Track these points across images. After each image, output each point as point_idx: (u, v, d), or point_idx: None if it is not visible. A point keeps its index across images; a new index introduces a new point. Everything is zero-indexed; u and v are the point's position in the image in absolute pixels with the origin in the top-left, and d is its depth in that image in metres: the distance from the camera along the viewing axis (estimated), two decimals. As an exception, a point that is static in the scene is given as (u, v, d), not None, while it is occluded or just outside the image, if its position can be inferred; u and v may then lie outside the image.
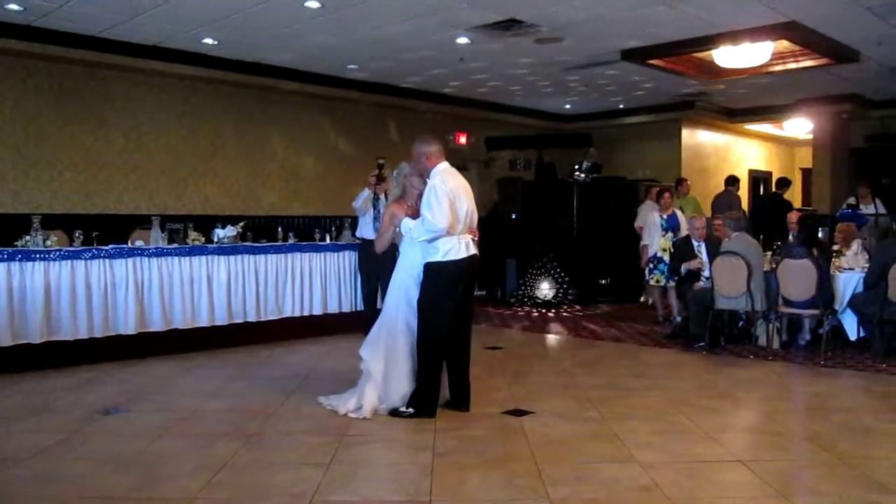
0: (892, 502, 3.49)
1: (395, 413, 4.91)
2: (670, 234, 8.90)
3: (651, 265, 9.06)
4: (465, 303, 5.04)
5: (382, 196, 7.71)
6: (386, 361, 4.98)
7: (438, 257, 4.85)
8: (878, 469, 3.96)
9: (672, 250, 8.50)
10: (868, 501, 3.50)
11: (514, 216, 11.61)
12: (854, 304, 7.05)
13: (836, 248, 7.89)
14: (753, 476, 3.84)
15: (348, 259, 8.46)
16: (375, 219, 7.81)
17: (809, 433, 4.67)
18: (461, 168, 5.40)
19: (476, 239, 5.06)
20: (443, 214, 4.73)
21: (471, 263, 4.95)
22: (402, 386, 4.95)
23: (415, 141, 5.09)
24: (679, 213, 9.28)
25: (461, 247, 4.88)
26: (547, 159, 12.39)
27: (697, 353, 7.28)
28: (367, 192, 7.79)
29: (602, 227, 11.33)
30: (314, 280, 8.19)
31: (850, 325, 7.19)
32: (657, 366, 6.81)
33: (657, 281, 9.03)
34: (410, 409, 4.89)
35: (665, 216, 9.09)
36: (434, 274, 4.87)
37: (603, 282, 11.42)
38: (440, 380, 4.97)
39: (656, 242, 8.99)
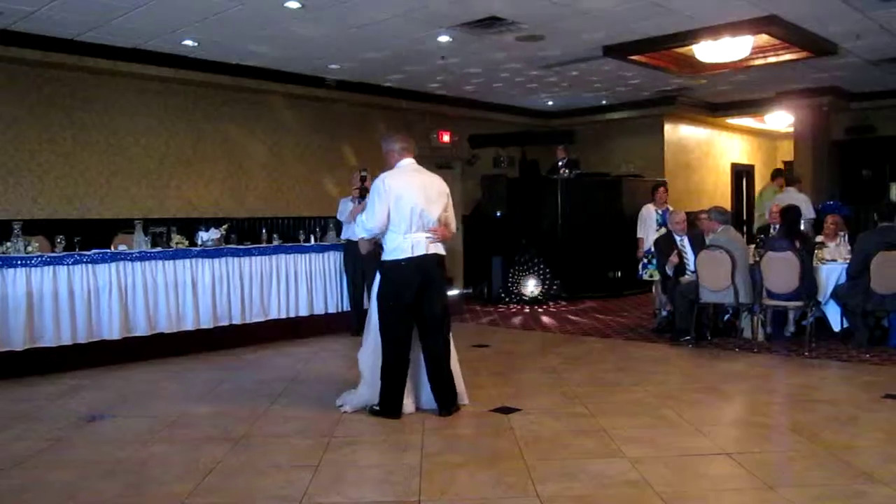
0: (877, 491, 3.52)
1: (370, 411, 4.96)
2: (664, 230, 8.92)
3: (645, 260, 9.05)
4: (427, 304, 4.88)
5: None
6: (372, 362, 5.00)
7: (386, 256, 4.90)
8: (863, 458, 4.00)
9: (655, 247, 8.52)
10: (854, 491, 3.53)
11: (498, 214, 11.61)
12: (837, 295, 7.12)
13: (819, 239, 7.95)
14: (740, 468, 3.86)
15: (333, 260, 8.45)
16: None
17: (795, 424, 4.70)
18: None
19: (440, 237, 4.90)
20: (372, 214, 4.82)
21: (420, 264, 4.80)
22: None
23: (382, 137, 5.23)
24: (671, 208, 9.31)
25: (406, 246, 4.80)
26: (530, 156, 12.40)
27: (683, 347, 7.32)
28: (350, 206, 7.84)
29: (586, 222, 11.37)
30: (299, 281, 8.16)
31: (834, 317, 7.26)
32: (643, 360, 6.83)
33: (651, 276, 9.03)
34: (377, 407, 4.92)
35: (661, 210, 9.12)
36: (382, 272, 4.94)
37: (589, 277, 11.45)
38: (403, 380, 4.89)
39: (651, 237, 8.99)
